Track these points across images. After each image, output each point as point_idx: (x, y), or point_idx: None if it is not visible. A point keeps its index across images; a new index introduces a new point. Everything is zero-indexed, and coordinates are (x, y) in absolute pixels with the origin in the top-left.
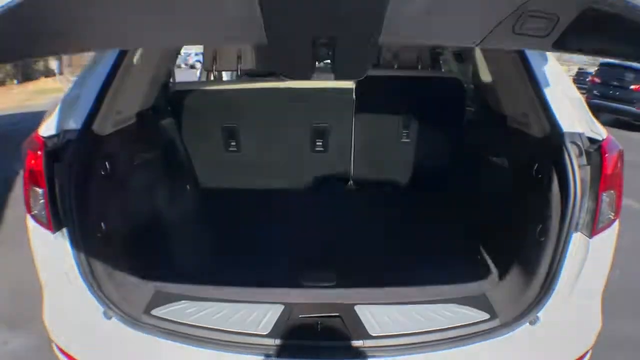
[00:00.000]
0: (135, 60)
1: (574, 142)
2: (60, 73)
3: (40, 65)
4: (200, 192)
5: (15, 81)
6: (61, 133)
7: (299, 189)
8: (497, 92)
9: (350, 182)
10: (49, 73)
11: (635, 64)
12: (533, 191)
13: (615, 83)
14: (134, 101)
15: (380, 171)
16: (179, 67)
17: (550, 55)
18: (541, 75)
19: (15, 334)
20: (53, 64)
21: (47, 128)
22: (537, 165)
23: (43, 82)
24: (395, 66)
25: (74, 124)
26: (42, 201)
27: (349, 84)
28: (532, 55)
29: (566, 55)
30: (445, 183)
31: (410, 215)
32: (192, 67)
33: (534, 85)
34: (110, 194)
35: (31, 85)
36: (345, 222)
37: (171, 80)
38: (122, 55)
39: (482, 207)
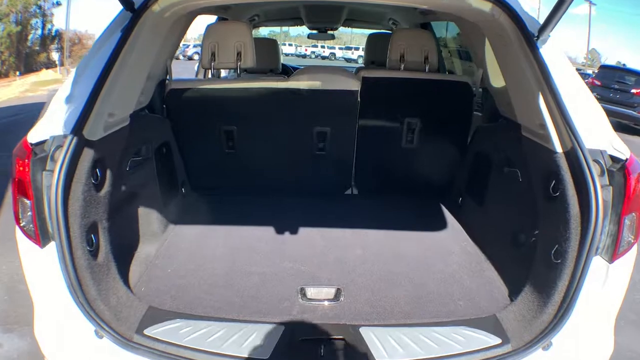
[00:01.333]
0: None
1: (596, 160)
2: (61, 64)
3: (42, 57)
4: (196, 195)
5: (17, 73)
6: (50, 139)
7: (299, 193)
8: (511, 99)
9: (352, 186)
10: (50, 64)
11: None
12: (549, 209)
13: (615, 86)
14: (128, 102)
15: (383, 176)
16: (177, 58)
17: (569, 63)
18: (560, 84)
19: (10, 337)
20: (54, 55)
21: (36, 134)
22: (554, 181)
23: (44, 74)
24: (402, 67)
25: (64, 129)
26: (30, 213)
27: (355, 86)
28: (550, 62)
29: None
30: (451, 191)
31: (415, 225)
32: (190, 58)
33: (554, 96)
34: (101, 204)
35: (33, 77)
36: (347, 232)
37: (168, 77)
38: (117, 50)
39: (491, 219)
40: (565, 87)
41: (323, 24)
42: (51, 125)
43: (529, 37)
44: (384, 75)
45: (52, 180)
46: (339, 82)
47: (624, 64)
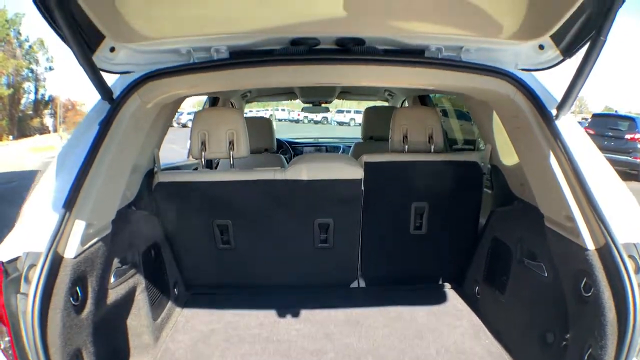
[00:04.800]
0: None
1: (631, 256)
2: (55, 130)
3: (35, 122)
4: (190, 296)
5: (10, 137)
6: (23, 256)
7: (301, 290)
8: (530, 184)
9: (358, 278)
10: (43, 130)
11: (628, 114)
12: (581, 311)
13: (610, 134)
14: (109, 207)
15: (392, 266)
16: (171, 125)
17: (590, 141)
18: (585, 169)
19: None
20: (48, 120)
21: (8, 249)
22: (585, 279)
23: (38, 139)
24: (406, 149)
25: (37, 245)
26: (7, 338)
27: (358, 175)
28: (572, 144)
29: None
30: (466, 280)
31: (431, 321)
32: (185, 126)
33: (581, 186)
34: (84, 327)
35: (26, 142)
36: (357, 336)
37: (155, 167)
38: (93, 150)
39: (514, 315)
40: (590, 173)
41: (317, 97)
42: (24, 239)
43: (548, 118)
44: (387, 159)
45: (26, 306)
46: (340, 171)
47: (616, 111)
